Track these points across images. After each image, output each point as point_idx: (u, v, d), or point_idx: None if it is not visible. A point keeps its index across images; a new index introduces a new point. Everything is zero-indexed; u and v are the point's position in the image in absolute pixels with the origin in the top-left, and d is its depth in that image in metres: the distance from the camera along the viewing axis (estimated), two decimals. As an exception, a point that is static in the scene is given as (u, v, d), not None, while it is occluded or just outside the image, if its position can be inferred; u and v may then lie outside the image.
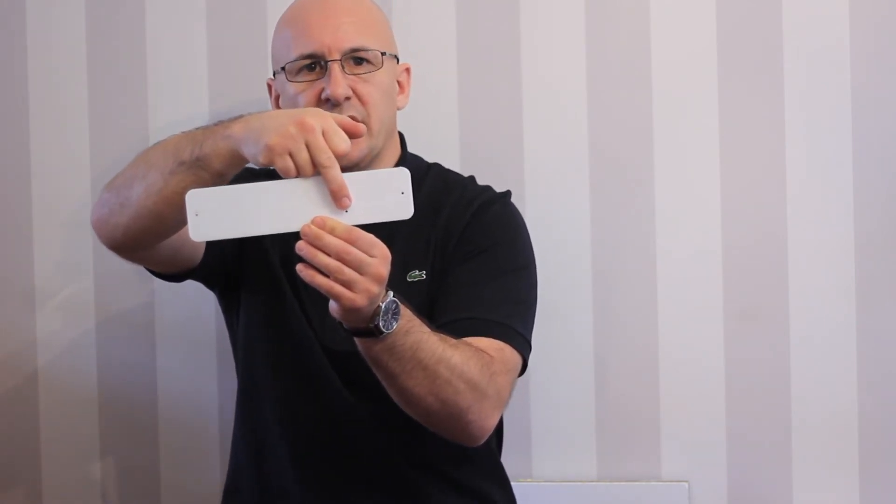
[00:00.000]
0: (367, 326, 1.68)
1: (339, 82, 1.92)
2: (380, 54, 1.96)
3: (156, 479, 2.35)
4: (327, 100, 1.92)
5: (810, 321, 2.24)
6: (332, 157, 1.63)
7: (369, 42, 1.96)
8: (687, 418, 2.27)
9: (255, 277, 2.00)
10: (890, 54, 2.23)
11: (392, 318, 1.69)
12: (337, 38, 1.94)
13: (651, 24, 2.26)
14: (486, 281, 1.91)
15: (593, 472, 2.28)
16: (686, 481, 2.26)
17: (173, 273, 1.99)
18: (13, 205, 2.36)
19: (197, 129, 1.77)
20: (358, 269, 1.62)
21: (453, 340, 1.78)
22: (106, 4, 2.35)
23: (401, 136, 2.06)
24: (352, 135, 1.67)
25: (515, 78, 2.28)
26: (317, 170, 1.63)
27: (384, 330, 1.68)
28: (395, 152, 2.03)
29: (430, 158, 2.08)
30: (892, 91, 2.23)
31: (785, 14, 2.24)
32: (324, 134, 1.63)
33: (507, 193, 2.03)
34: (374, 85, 1.95)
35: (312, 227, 1.61)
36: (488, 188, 2.03)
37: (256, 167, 1.71)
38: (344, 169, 1.64)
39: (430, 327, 1.76)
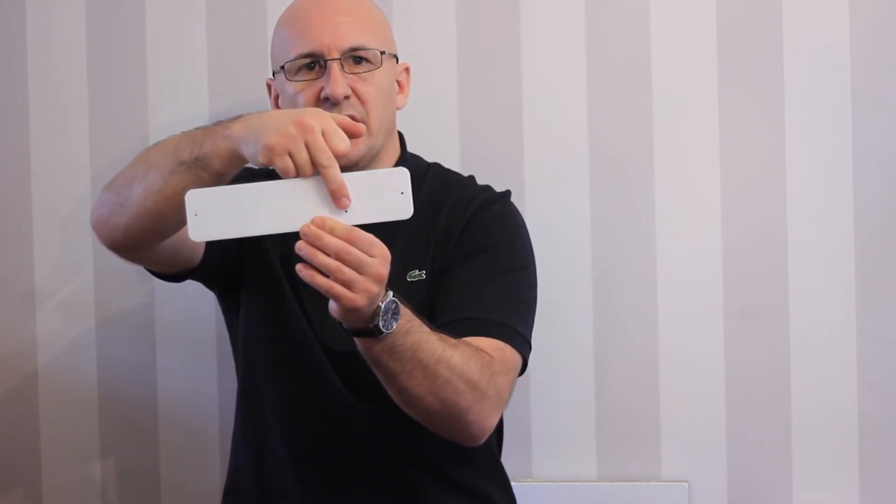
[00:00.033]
0: (367, 326, 1.68)
1: (339, 81, 1.92)
2: (379, 53, 1.96)
3: (156, 479, 2.35)
4: (326, 99, 1.92)
5: (810, 321, 2.24)
6: (332, 157, 1.63)
7: (368, 41, 1.95)
8: (687, 418, 2.27)
9: (255, 277, 2.00)
10: (890, 54, 2.23)
11: (392, 317, 1.69)
12: (336, 37, 1.94)
13: (651, 24, 2.26)
14: (486, 281, 1.91)
15: (593, 472, 2.28)
16: (686, 481, 2.26)
17: (173, 273, 1.99)
18: (13, 205, 2.36)
19: (197, 129, 1.77)
20: (358, 268, 1.62)
21: (453, 340, 1.78)
22: (106, 4, 2.35)
23: (400, 135, 2.06)
24: (351, 135, 1.67)
25: (515, 78, 2.28)
26: (316, 170, 1.63)
27: (384, 330, 1.68)
28: (395, 152, 2.03)
29: (430, 158, 2.08)
30: (892, 91, 2.23)
31: (785, 14, 2.24)
32: (323, 134, 1.63)
33: (507, 193, 2.03)
34: (373, 84, 1.95)
35: (312, 227, 1.61)
36: (488, 188, 2.03)
37: (256, 167, 1.71)
38: (343, 168, 1.64)
39: (429, 327, 1.76)
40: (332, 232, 1.61)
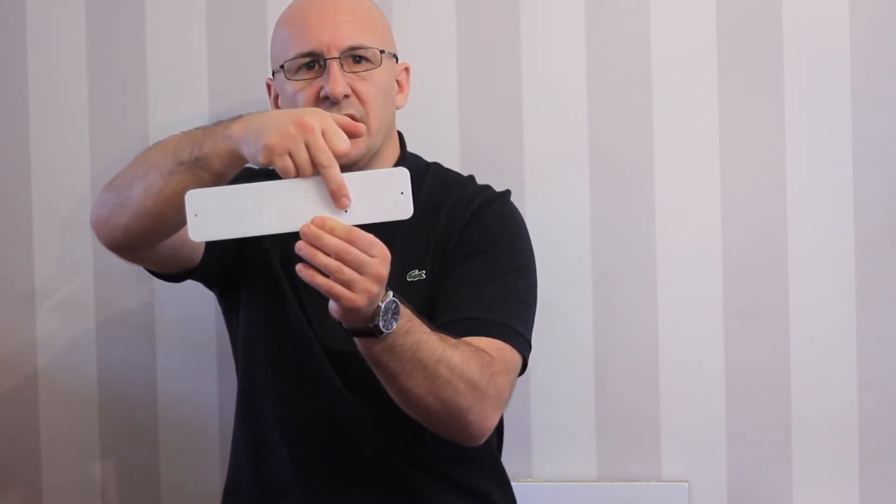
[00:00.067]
0: (367, 326, 1.68)
1: (338, 80, 1.92)
2: (378, 52, 1.96)
3: (156, 479, 2.35)
4: (326, 98, 1.92)
5: (810, 321, 2.24)
6: (332, 157, 1.63)
7: (368, 40, 1.95)
8: (687, 418, 2.27)
9: (255, 277, 2.00)
10: (890, 54, 2.23)
11: (392, 318, 1.69)
12: (336, 36, 1.94)
13: (651, 24, 2.26)
14: (486, 281, 1.91)
15: (593, 472, 2.28)
16: (686, 481, 2.26)
17: (173, 273, 1.99)
18: (13, 205, 2.36)
19: (196, 129, 1.77)
20: (358, 268, 1.62)
21: (453, 340, 1.78)
22: (106, 4, 2.35)
23: (400, 135, 2.06)
24: (351, 135, 1.67)
25: (515, 78, 2.28)
26: (316, 170, 1.63)
27: (384, 330, 1.68)
28: (395, 151, 2.03)
29: (430, 158, 2.08)
30: (892, 91, 2.23)
31: (785, 14, 2.24)
32: (323, 134, 1.63)
33: (507, 193, 2.03)
34: (372, 83, 1.95)
35: (312, 227, 1.61)
36: (488, 187, 2.03)
37: (256, 167, 1.71)
38: (342, 168, 1.64)
39: (429, 327, 1.76)
40: (332, 232, 1.61)
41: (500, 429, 2.06)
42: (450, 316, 1.87)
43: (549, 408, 2.28)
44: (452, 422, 1.80)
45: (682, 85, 2.26)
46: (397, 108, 2.02)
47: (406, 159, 2.02)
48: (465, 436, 1.84)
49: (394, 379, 1.74)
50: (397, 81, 2.02)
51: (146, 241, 1.84)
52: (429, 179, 2.03)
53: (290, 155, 1.63)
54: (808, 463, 2.25)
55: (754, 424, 2.26)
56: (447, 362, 1.75)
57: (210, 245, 1.95)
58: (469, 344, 1.81)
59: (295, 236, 1.62)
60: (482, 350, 1.82)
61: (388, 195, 1.63)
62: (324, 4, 1.97)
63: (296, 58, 1.95)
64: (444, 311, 1.89)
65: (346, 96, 1.92)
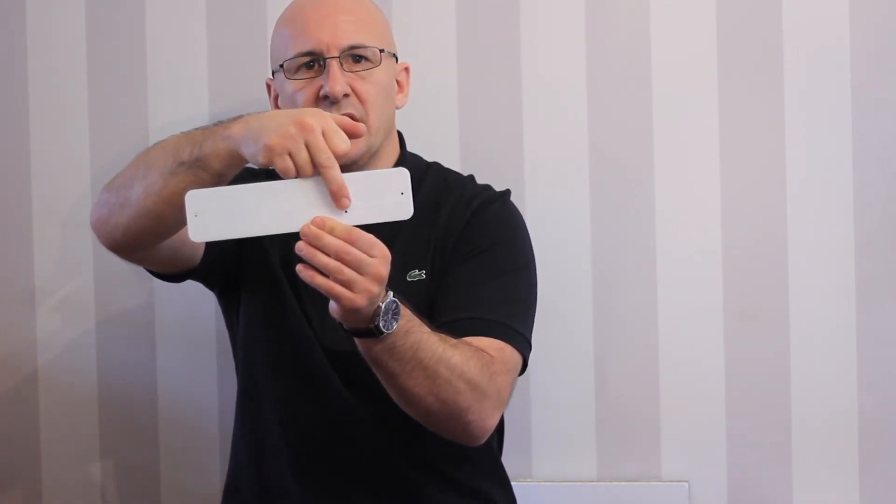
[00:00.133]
0: (368, 327, 1.68)
1: (338, 79, 1.92)
2: (378, 52, 1.96)
3: (156, 479, 2.35)
4: (325, 97, 1.92)
5: (810, 321, 2.24)
6: (332, 157, 1.63)
7: (368, 39, 1.95)
8: (687, 418, 2.27)
9: (254, 277, 2.00)
10: (890, 54, 2.23)
11: (392, 318, 1.69)
12: (335, 35, 1.94)
13: (651, 24, 2.26)
14: (486, 281, 1.91)
15: (593, 472, 2.28)
16: (686, 481, 2.26)
17: (173, 273, 1.99)
18: (13, 205, 2.36)
19: (197, 129, 1.77)
20: (358, 269, 1.62)
21: (453, 340, 1.78)
22: (106, 4, 2.35)
23: (400, 135, 2.06)
24: (352, 135, 1.67)
25: (515, 78, 2.28)
26: (316, 170, 1.63)
27: (384, 330, 1.68)
28: (394, 151, 2.03)
29: (430, 158, 2.08)
30: (892, 91, 2.23)
31: (785, 14, 2.24)
32: (323, 134, 1.63)
33: (507, 192, 2.03)
34: (372, 83, 1.94)
35: (312, 227, 1.61)
36: (488, 187, 2.03)
37: (256, 167, 1.71)
38: (342, 167, 1.64)
39: (430, 327, 1.76)
40: (332, 232, 1.61)
41: (500, 429, 2.06)
42: (450, 316, 1.87)
43: (549, 408, 2.28)
44: (453, 422, 1.80)
45: (682, 85, 2.26)
46: (397, 108, 2.02)
47: (406, 159, 2.02)
48: (466, 436, 1.84)
49: (394, 379, 1.74)
50: (397, 81, 2.02)
51: (146, 242, 1.84)
52: (429, 179, 2.03)
53: (291, 155, 1.63)
54: (808, 463, 2.25)
55: (754, 424, 2.26)
56: (447, 362, 1.75)
57: (210, 245, 1.95)
58: (469, 344, 1.81)
59: (295, 236, 1.62)
60: (482, 350, 1.82)
61: (388, 195, 1.63)
62: (323, 4, 1.97)
63: (295, 57, 1.95)
64: (444, 310, 1.89)
65: (346, 95, 1.92)
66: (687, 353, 2.26)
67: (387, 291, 1.67)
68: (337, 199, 1.63)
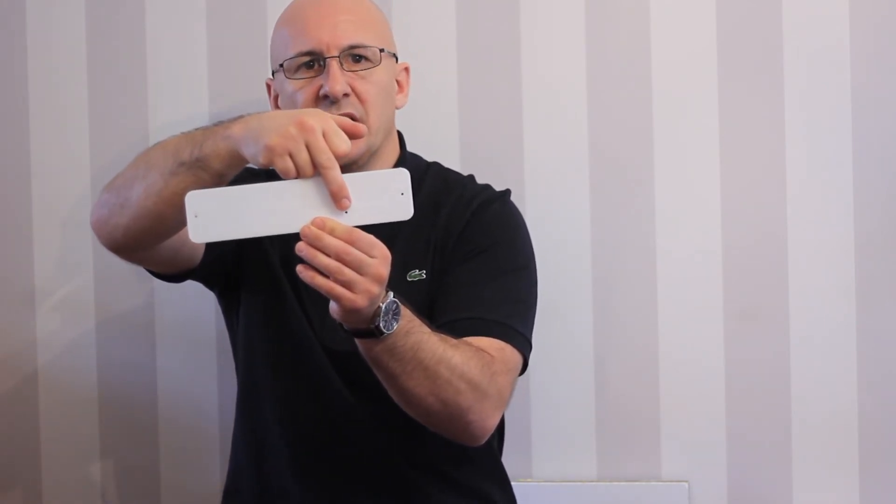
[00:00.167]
0: (368, 327, 1.68)
1: (338, 79, 1.92)
2: (378, 51, 1.96)
3: (156, 479, 2.35)
4: (325, 97, 1.92)
5: (810, 321, 2.24)
6: (333, 157, 1.63)
7: (367, 39, 1.95)
8: (687, 418, 2.27)
9: (255, 278, 2.00)
10: (890, 54, 2.23)
11: (392, 318, 1.69)
12: (335, 35, 1.94)
13: (651, 24, 2.26)
14: (486, 281, 1.91)
15: (593, 472, 2.28)
16: (686, 481, 2.26)
17: (173, 273, 1.99)
18: (13, 205, 2.36)
19: (197, 129, 1.77)
20: (358, 269, 1.62)
21: (454, 340, 1.78)
22: (106, 4, 2.35)
23: (400, 135, 2.06)
24: (352, 136, 1.66)
25: (515, 78, 2.28)
26: (317, 170, 1.63)
27: (385, 330, 1.68)
28: (394, 151, 2.03)
29: (430, 158, 2.08)
30: (892, 91, 2.23)
31: (785, 14, 2.24)
32: (324, 134, 1.63)
33: (507, 192, 2.03)
34: (372, 83, 1.94)
35: (312, 227, 1.61)
36: (488, 187, 2.03)
37: (256, 167, 1.71)
38: (342, 168, 1.64)
39: (430, 327, 1.76)
40: (332, 233, 1.61)
41: (500, 429, 2.06)
42: (450, 316, 1.87)
43: (549, 408, 2.28)
44: (453, 422, 1.80)
45: (682, 85, 2.26)
46: (397, 108, 2.02)
47: (406, 159, 2.02)
48: (466, 436, 1.84)
49: (394, 379, 1.74)
50: (397, 81, 2.02)
51: (146, 242, 1.84)
52: (429, 179, 2.03)
53: (291, 155, 1.63)
54: (808, 463, 2.25)
55: (754, 424, 2.26)
56: (448, 362, 1.75)
57: (210, 245, 1.95)
58: (469, 344, 1.81)
59: (295, 237, 1.62)
60: (483, 350, 1.82)
61: (388, 196, 1.63)
62: (323, 4, 1.97)
63: (295, 57, 1.95)
64: (444, 310, 1.89)
65: (346, 95, 1.92)
66: (687, 353, 2.26)
67: (387, 292, 1.67)
68: (337, 199, 1.63)
